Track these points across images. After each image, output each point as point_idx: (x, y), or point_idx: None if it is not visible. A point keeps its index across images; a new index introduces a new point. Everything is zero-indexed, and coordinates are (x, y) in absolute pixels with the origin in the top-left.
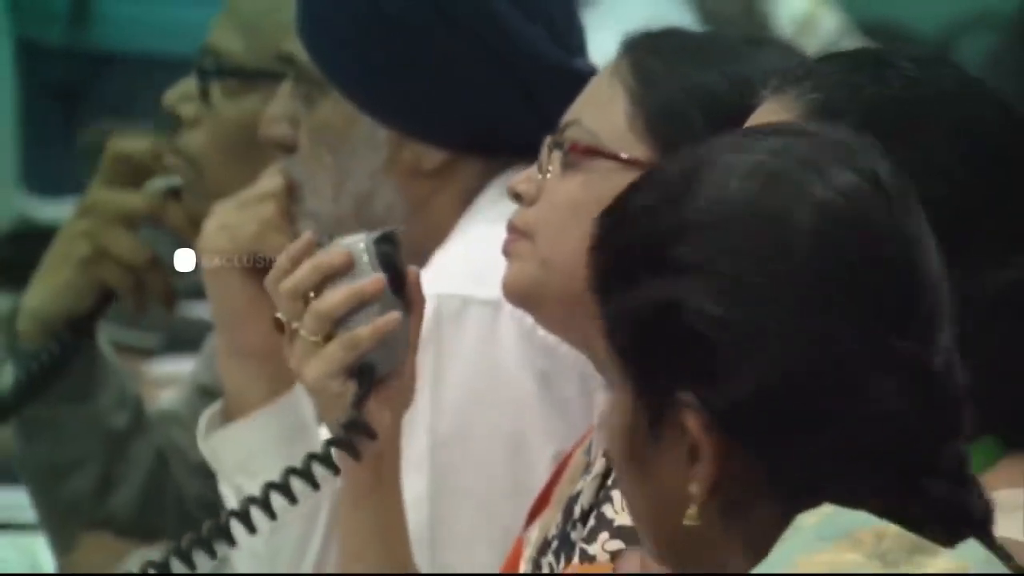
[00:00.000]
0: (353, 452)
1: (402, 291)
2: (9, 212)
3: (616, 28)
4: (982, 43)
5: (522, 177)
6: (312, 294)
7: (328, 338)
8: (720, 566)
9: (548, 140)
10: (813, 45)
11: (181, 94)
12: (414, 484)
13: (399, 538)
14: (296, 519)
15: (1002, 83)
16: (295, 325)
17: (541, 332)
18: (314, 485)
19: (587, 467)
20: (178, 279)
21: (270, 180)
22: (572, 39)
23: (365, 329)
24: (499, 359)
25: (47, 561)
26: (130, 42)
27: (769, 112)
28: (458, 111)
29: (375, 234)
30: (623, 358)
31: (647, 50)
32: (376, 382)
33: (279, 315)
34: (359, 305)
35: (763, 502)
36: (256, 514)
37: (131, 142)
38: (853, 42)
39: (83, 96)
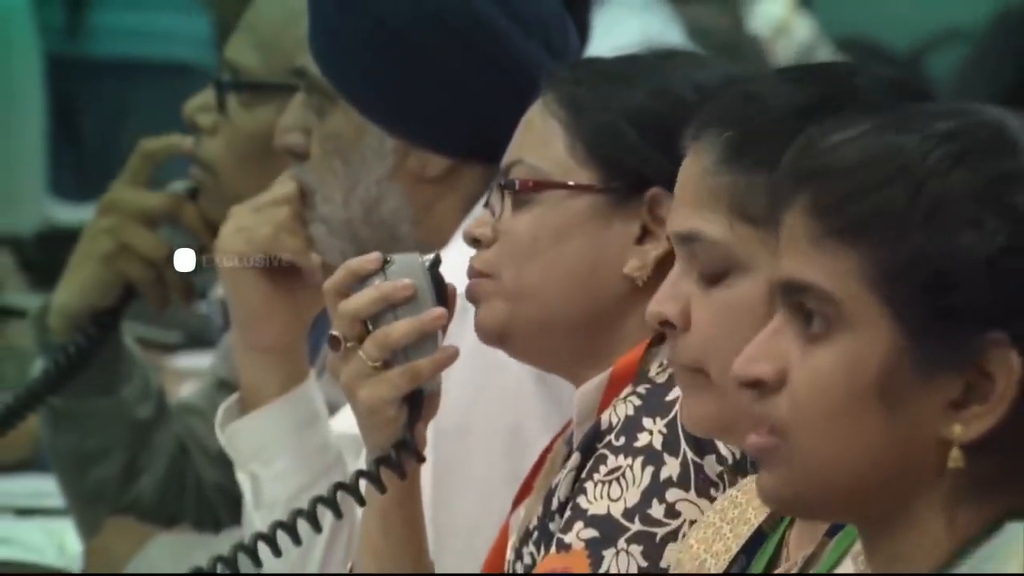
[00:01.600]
0: (401, 472)
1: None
2: (37, 217)
3: (610, 43)
4: (952, 57)
5: (475, 222)
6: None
7: (387, 364)
8: (943, 518)
9: (495, 184)
10: (788, 49)
11: (199, 105)
12: (421, 470)
13: (421, 543)
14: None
15: (971, 95)
16: (350, 345)
17: None
18: (360, 501)
19: (567, 459)
20: (199, 277)
21: (284, 185)
22: (567, 53)
23: (427, 362)
24: (499, 356)
25: (73, 544)
26: (123, 50)
27: (694, 159)
28: (460, 121)
29: (428, 259)
30: (906, 296)
31: (571, 82)
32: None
33: (335, 332)
34: (420, 337)
35: (1010, 441)
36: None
37: (157, 142)
38: (826, 49)
39: (83, 104)
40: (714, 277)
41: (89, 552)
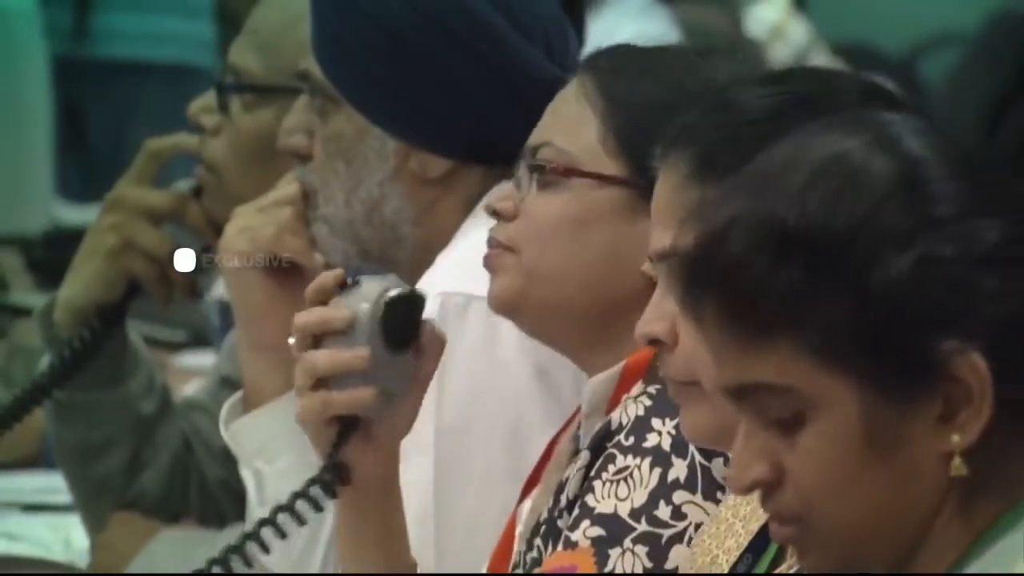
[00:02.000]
0: (330, 492)
1: (408, 345)
2: (44, 218)
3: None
4: (945, 61)
5: (499, 195)
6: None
7: (320, 383)
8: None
9: (524, 162)
10: (783, 51)
11: (202, 106)
12: (420, 468)
13: (401, 549)
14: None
15: (963, 98)
16: (296, 356)
17: None
18: (318, 508)
19: (575, 454)
20: (201, 276)
21: (287, 186)
22: (566, 56)
23: (341, 396)
24: (499, 353)
25: (79, 539)
26: (128, 52)
27: (664, 179)
28: (461, 124)
29: (394, 293)
30: (849, 353)
31: (609, 70)
32: (363, 427)
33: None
34: (342, 370)
35: (1002, 430)
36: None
37: (163, 141)
38: (821, 53)
39: (89, 106)
40: None
41: (95, 547)
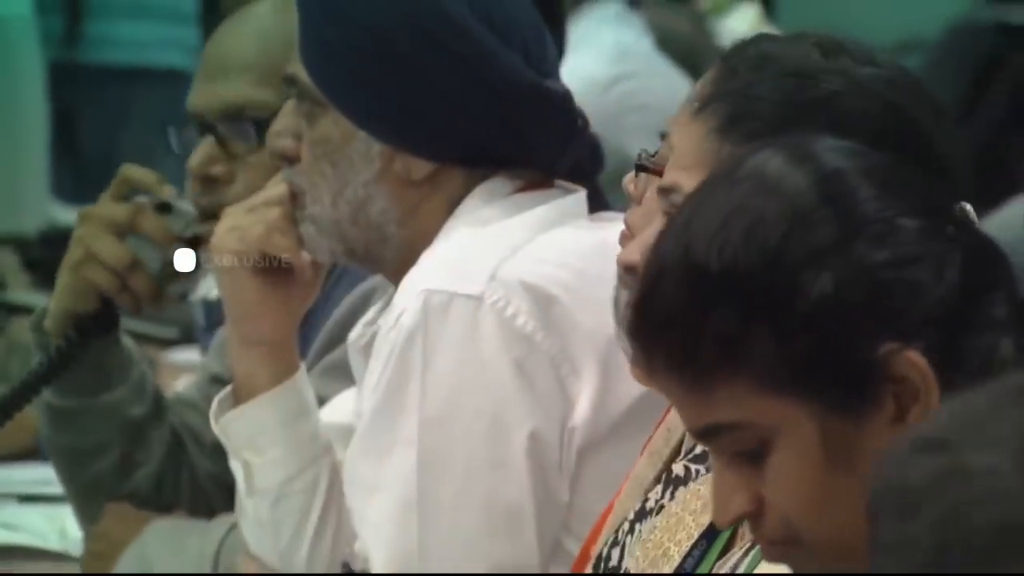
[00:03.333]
0: None
1: None
2: (40, 218)
3: (586, 50)
4: (909, 66)
5: (630, 176)
6: None
7: None
8: None
9: (649, 155)
10: None
11: (206, 158)
12: (405, 458)
13: None
14: (298, 492)
15: None
16: None
17: (519, 323)
18: None
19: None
20: (173, 283)
21: (275, 187)
22: (545, 63)
23: None
24: (480, 348)
25: (74, 529)
26: (120, 58)
27: (695, 125)
28: (444, 127)
29: None
30: (792, 380)
31: (730, 69)
32: None
33: None
34: None
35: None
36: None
37: (139, 171)
38: None
39: (83, 110)
40: None
41: (88, 537)
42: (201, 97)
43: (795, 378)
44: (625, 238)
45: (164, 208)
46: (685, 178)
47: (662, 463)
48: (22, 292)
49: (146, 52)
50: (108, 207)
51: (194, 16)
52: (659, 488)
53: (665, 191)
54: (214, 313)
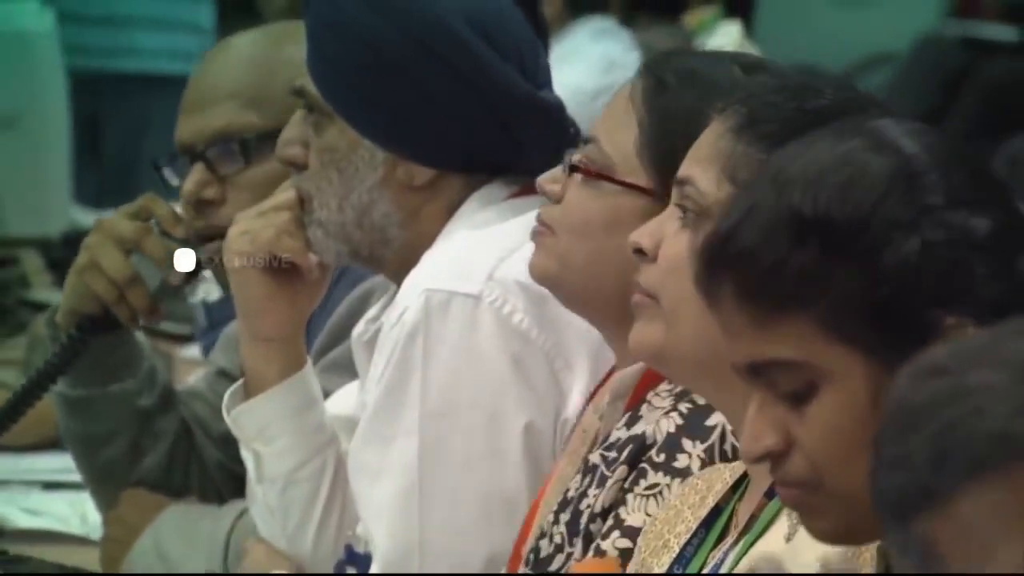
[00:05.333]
0: None
1: None
2: (63, 221)
3: (576, 62)
4: (880, 79)
5: (550, 176)
6: None
7: None
8: None
9: (574, 152)
10: None
11: (198, 183)
12: (407, 448)
13: None
14: (305, 479)
15: (898, 115)
16: None
17: (515, 320)
18: None
19: (598, 436)
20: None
21: (285, 193)
22: (539, 75)
23: None
24: (479, 344)
25: (94, 515)
26: (141, 67)
27: (715, 124)
28: (444, 136)
29: None
30: (859, 326)
31: (657, 78)
32: None
33: None
34: None
35: None
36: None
37: (160, 204)
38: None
39: (104, 118)
40: (693, 218)
41: (107, 521)
42: (189, 128)
43: (861, 327)
44: (541, 235)
45: (165, 233)
46: (699, 171)
47: (579, 460)
48: (45, 291)
49: (166, 62)
50: (120, 222)
51: (211, 28)
52: (578, 478)
53: (680, 183)
54: (213, 314)
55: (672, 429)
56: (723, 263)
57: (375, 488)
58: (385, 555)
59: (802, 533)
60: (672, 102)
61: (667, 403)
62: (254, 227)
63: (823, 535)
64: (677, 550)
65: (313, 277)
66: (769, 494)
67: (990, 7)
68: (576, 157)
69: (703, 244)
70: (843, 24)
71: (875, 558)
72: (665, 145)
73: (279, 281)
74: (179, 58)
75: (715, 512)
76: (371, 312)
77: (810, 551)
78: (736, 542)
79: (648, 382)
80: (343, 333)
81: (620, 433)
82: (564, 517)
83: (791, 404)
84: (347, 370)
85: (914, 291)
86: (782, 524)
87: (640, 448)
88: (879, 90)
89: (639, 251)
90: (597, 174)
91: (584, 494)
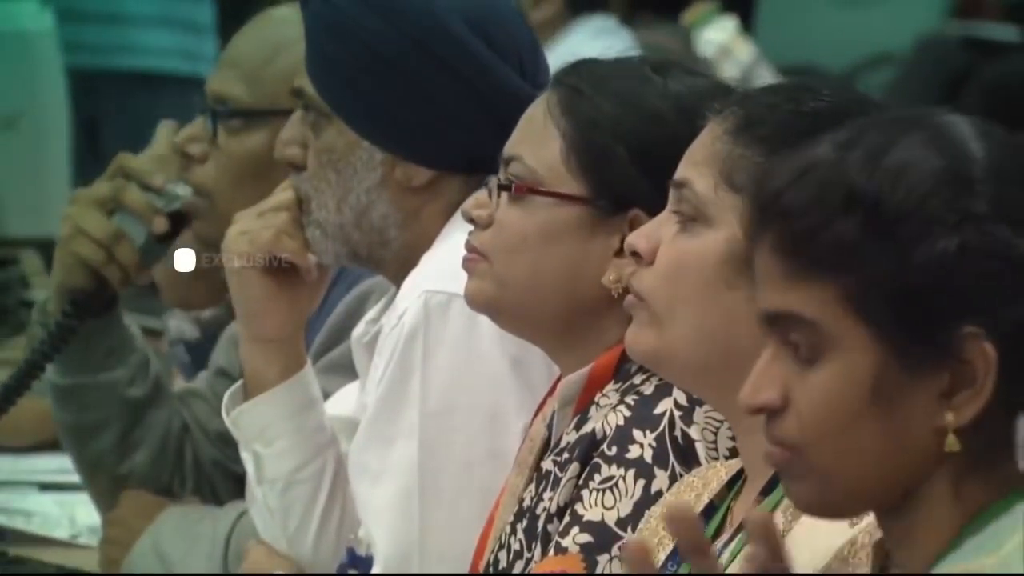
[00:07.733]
0: None
1: None
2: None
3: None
4: (881, 79)
5: (475, 202)
6: None
7: None
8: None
9: (496, 177)
10: (731, 70)
11: (188, 136)
12: (407, 449)
13: None
14: (305, 480)
15: None
16: None
17: None
18: None
19: (547, 439)
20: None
21: (283, 193)
22: (538, 76)
23: None
24: (478, 345)
25: (83, 516)
26: (141, 65)
27: (710, 128)
28: (442, 137)
29: None
30: (880, 308)
31: (572, 87)
32: None
33: None
34: None
35: (996, 420)
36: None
37: (132, 159)
38: (764, 71)
39: (104, 117)
40: (690, 222)
41: (106, 523)
42: (208, 82)
43: (881, 310)
44: (472, 262)
45: (181, 219)
46: (696, 175)
47: (528, 469)
48: (45, 291)
49: (166, 60)
50: (96, 186)
51: (212, 27)
52: (532, 487)
53: (677, 186)
54: (194, 352)
55: (621, 422)
56: (770, 214)
57: (375, 489)
58: (386, 556)
59: (796, 530)
60: (591, 108)
61: (614, 399)
62: (253, 227)
63: (798, 501)
64: (671, 547)
65: (312, 278)
66: (764, 492)
67: (992, 7)
68: (501, 177)
69: (755, 191)
70: (844, 24)
71: (871, 556)
72: (593, 150)
73: (278, 282)
74: (179, 56)
75: (710, 509)
76: (370, 314)
77: (804, 547)
78: (731, 539)
79: (594, 385)
80: (341, 334)
81: (570, 437)
82: (521, 526)
83: (797, 363)
84: (346, 371)
85: (940, 290)
86: (776, 519)
87: (590, 444)
88: (880, 90)
89: (635, 254)
90: (529, 189)
91: (539, 499)
